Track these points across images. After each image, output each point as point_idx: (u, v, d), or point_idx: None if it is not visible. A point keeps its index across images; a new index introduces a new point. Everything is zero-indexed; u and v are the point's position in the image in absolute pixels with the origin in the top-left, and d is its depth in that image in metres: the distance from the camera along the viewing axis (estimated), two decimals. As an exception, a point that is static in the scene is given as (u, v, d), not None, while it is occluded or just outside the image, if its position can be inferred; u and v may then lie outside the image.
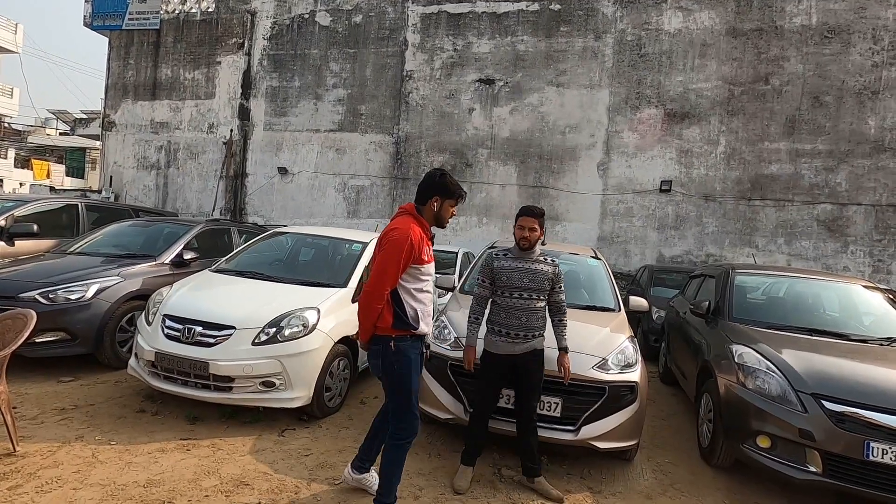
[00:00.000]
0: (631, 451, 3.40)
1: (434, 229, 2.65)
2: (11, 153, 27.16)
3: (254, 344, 3.48)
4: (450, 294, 4.48)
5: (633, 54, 11.37)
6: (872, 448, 2.73)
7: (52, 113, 28.33)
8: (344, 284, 4.30)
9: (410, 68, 12.64)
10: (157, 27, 14.66)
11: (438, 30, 12.52)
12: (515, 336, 2.91)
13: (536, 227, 3.01)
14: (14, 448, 2.86)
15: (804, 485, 2.91)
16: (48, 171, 28.53)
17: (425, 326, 2.48)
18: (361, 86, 13.06)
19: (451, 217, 2.60)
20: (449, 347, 3.43)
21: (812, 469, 2.88)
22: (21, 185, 22.83)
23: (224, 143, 13.96)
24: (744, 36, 10.83)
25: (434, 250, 8.44)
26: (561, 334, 3.05)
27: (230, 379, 3.41)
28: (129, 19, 14.90)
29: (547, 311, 3.04)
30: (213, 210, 13.83)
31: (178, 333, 3.52)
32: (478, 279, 3.14)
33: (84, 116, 22.56)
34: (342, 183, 13.14)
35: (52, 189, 17.74)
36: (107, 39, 15.20)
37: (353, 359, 4.25)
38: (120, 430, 3.27)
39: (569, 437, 3.10)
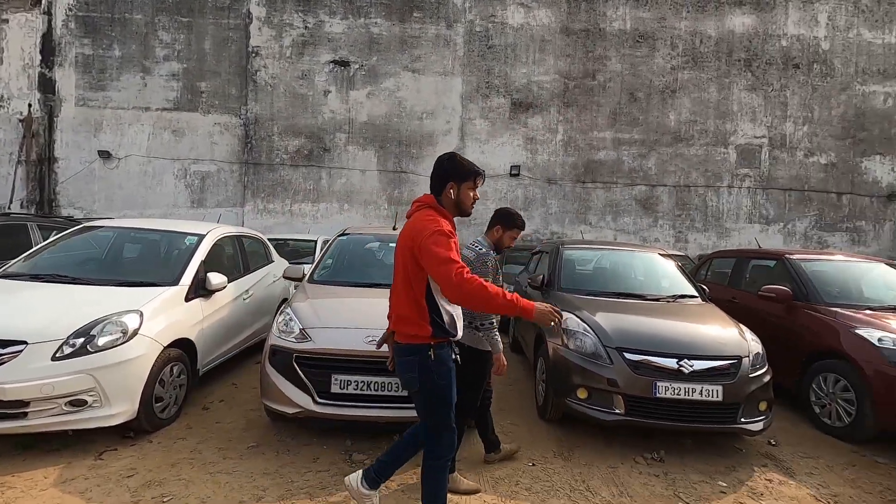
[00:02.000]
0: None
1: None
2: None
3: (55, 359, 2.97)
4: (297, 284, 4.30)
5: (482, 45, 11.95)
6: (659, 387, 3.32)
7: None
8: (175, 282, 3.88)
9: (257, 44, 11.70)
10: None
11: (287, 4, 11.76)
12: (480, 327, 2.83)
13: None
14: None
15: (612, 424, 3.43)
16: None
17: (459, 332, 2.27)
18: (200, 60, 11.75)
19: (475, 200, 2.30)
20: (294, 340, 3.32)
21: (618, 411, 3.40)
22: None
23: (21, 121, 11.53)
24: (575, 35, 12.05)
25: (290, 239, 7.94)
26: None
27: (23, 403, 2.87)
28: None
29: None
30: (11, 202, 11.41)
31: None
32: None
33: None
34: (183, 169, 11.78)
35: None
36: None
37: (192, 363, 3.88)
38: None
39: (410, 414, 3.22)
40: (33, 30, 11.56)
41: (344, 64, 11.79)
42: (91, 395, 3.05)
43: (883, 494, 3.11)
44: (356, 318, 3.47)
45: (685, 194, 12.29)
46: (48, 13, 11.60)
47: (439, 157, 2.33)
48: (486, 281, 2.08)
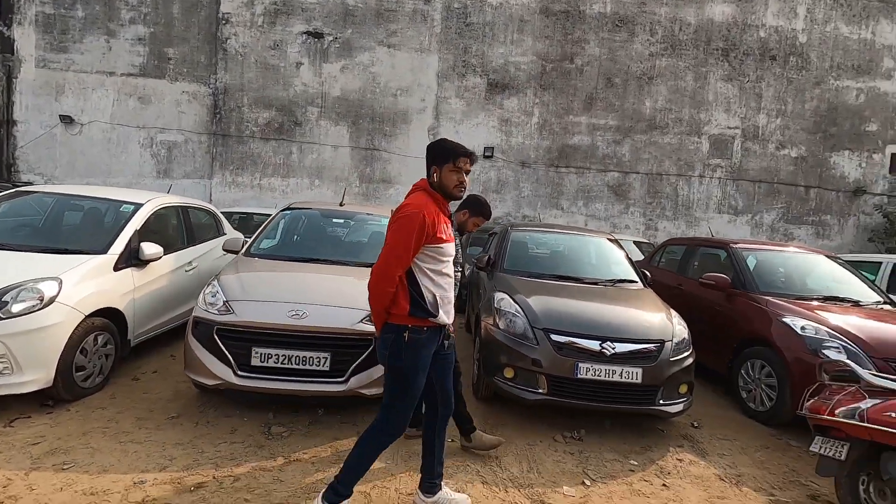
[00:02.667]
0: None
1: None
2: None
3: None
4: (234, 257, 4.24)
5: (459, 22, 11.74)
6: (580, 368, 3.37)
7: None
8: (104, 251, 3.79)
9: (227, 10, 11.34)
10: None
11: (259, -30, 11.37)
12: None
13: None
14: None
15: (535, 403, 3.49)
16: None
17: (446, 316, 2.23)
18: (168, 25, 11.37)
19: (460, 184, 2.26)
20: (217, 312, 3.28)
21: (540, 391, 3.45)
22: None
23: (-20, 82, 11.08)
24: (554, 16, 11.89)
25: (255, 213, 7.78)
26: None
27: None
28: None
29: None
30: (-32, 165, 11.04)
31: None
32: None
33: None
34: (149, 138, 11.49)
35: None
36: None
37: (122, 333, 3.83)
38: None
39: (339, 388, 3.23)
40: (-10, -16, 11.04)
41: (318, 35, 11.50)
42: (1, 362, 2.99)
43: (787, 475, 3.23)
44: (283, 293, 3.45)
45: (657, 182, 12.37)
46: (6, -33, 11.07)
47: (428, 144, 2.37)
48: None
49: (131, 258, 3.97)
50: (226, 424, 3.21)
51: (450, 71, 11.80)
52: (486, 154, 11.87)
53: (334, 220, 4.79)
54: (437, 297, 2.18)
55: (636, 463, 3.19)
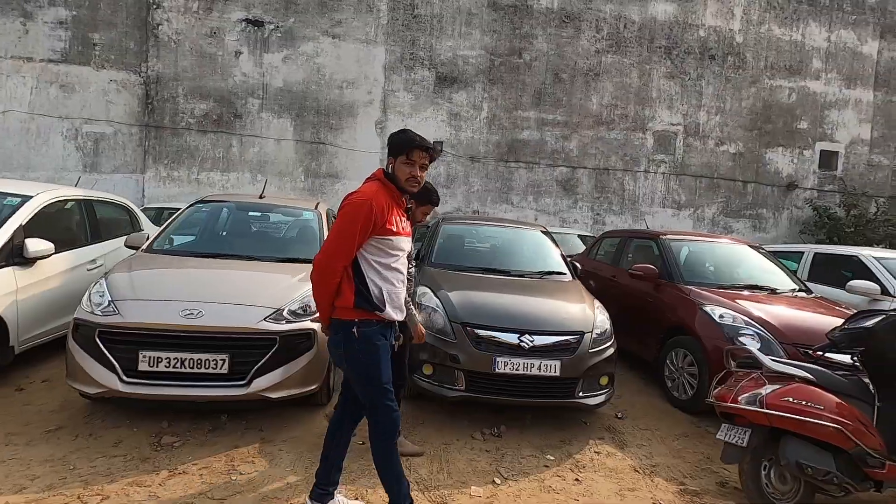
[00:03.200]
0: (319, 395, 3.49)
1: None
2: None
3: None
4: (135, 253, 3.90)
5: (406, 14, 11.52)
6: (498, 362, 3.27)
7: None
8: (-25, 247, 3.41)
9: (159, -5, 10.68)
10: None
11: (193, -47, 10.78)
12: None
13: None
14: None
15: (454, 400, 3.37)
16: None
17: (394, 311, 2.13)
18: (92, 8, 10.61)
19: (412, 178, 2.13)
20: (100, 313, 2.99)
21: (458, 387, 3.34)
22: None
23: None
24: (502, 10, 11.85)
25: (170, 207, 7.26)
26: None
27: None
28: None
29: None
30: None
31: None
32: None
33: None
34: (73, 129, 10.70)
35: None
36: None
37: (3, 339, 3.46)
38: None
39: (239, 392, 3.00)
40: None
41: (258, 24, 11.02)
42: None
43: (700, 463, 3.24)
44: (178, 291, 3.18)
45: (604, 177, 12.56)
46: None
47: None
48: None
49: (13, 256, 3.60)
50: (111, 436, 2.93)
51: (397, 63, 11.57)
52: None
53: (250, 214, 4.52)
54: (385, 292, 2.10)
55: (552, 458, 3.12)
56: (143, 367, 2.90)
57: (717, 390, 2.83)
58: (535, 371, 3.29)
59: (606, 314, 3.84)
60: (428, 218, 3.18)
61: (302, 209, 4.54)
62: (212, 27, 10.88)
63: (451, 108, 11.82)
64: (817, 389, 2.59)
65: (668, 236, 5.23)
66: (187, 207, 4.43)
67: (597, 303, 3.95)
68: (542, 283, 4.23)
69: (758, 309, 4.00)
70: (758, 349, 3.05)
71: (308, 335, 3.22)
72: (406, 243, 2.21)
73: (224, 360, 2.99)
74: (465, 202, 12.04)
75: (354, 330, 2.05)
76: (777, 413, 2.51)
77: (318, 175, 11.46)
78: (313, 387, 3.32)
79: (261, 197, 4.64)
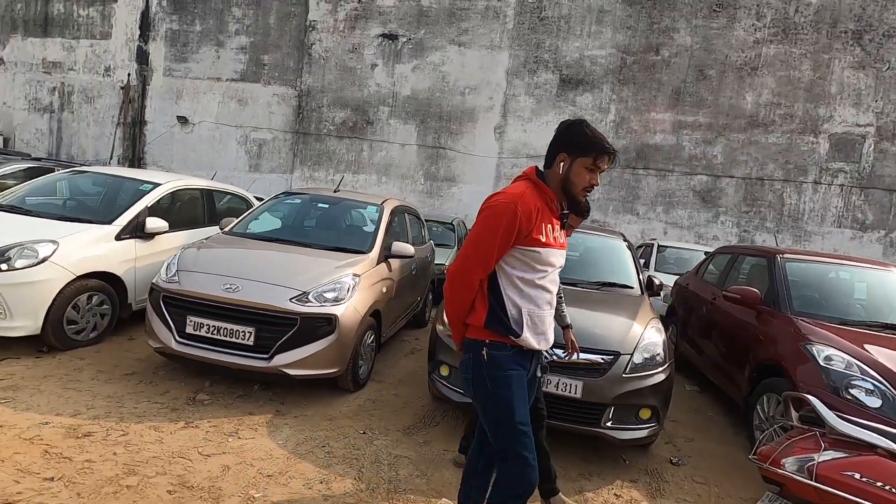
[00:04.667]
0: (344, 381, 3.60)
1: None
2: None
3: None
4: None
5: (533, 17, 11.33)
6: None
7: None
8: (109, 222, 4.27)
9: (314, 18, 12.23)
10: (48, -44, 13.58)
11: (345, -21, 12.10)
12: None
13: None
14: None
15: (462, 406, 3.18)
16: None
17: (534, 338, 1.76)
18: (265, 34, 12.59)
19: (589, 186, 1.78)
20: (166, 280, 3.51)
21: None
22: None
23: (122, 88, 13.28)
24: (638, 4, 10.93)
25: None
26: (563, 312, 2.69)
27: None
28: (17, -54, 13.71)
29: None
30: (111, 158, 13.28)
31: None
32: None
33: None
34: (244, 135, 12.81)
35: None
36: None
37: (122, 296, 4.28)
38: None
39: (262, 364, 3.26)
40: (135, 7, 13.17)
41: (392, 37, 11.89)
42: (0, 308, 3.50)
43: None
44: (226, 267, 3.57)
45: (756, 188, 10.72)
46: (147, -7, 13.13)
47: (561, 122, 1.85)
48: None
49: (136, 230, 4.42)
50: (162, 387, 3.40)
51: (520, 68, 11.43)
52: (553, 153, 11.27)
53: (319, 205, 4.87)
54: (525, 314, 1.74)
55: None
56: (189, 330, 3.33)
57: (764, 447, 2.19)
58: (551, 388, 2.93)
59: (663, 337, 3.26)
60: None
61: (367, 203, 4.75)
62: (353, 43, 12.06)
63: (574, 111, 11.26)
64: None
65: (789, 255, 4.23)
66: (272, 198, 4.97)
67: (655, 322, 3.37)
68: (597, 295, 3.77)
69: (887, 357, 3.00)
70: (877, 405, 2.25)
71: (329, 320, 3.35)
72: (559, 257, 1.81)
73: (251, 333, 3.27)
74: (583, 210, 11.32)
75: (484, 352, 1.74)
76: (832, 490, 1.84)
77: (437, 178, 11.88)
78: (333, 370, 3.43)
79: (335, 191, 4.99)
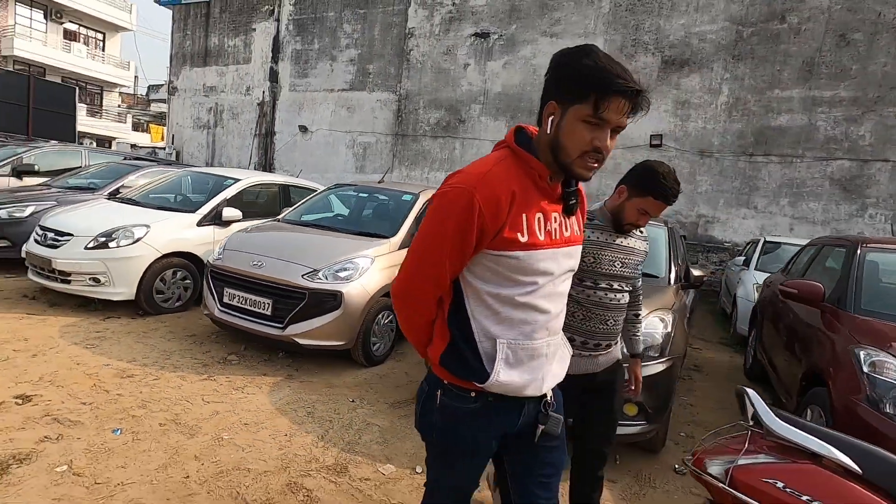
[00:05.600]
0: (355, 354, 3.86)
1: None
2: (129, 118, 31.94)
3: (86, 248, 4.45)
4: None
5: (631, -3, 10.56)
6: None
7: (152, 86, 32.48)
8: (193, 211, 5.12)
9: (412, 25, 12.89)
10: (208, -1, 16.35)
11: (441, -16, 12.56)
12: (596, 347, 1.91)
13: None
14: None
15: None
16: (163, 134, 33.18)
17: (520, 379, 1.21)
18: (370, 45, 13.61)
19: (594, 151, 1.14)
20: (216, 256, 4.12)
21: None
22: (133, 146, 26.92)
23: (258, 104, 15.43)
24: (759, -33, 9.54)
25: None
26: (637, 335, 2.18)
27: (67, 274, 4.43)
28: (187, -6, 16.75)
29: None
30: (249, 165, 15.50)
31: (39, 238, 4.61)
32: None
33: (161, 83, 25.80)
34: (352, 140, 13.99)
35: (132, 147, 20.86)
36: (170, 14, 17.28)
37: (202, 273, 5.09)
38: (2, 310, 4.44)
39: (277, 332, 3.66)
40: (268, 34, 15.21)
41: (484, 36, 12.01)
42: (103, 277, 4.45)
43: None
44: (259, 247, 4.06)
45: (921, 174, 8.65)
46: (277, 20, 15.08)
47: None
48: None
49: (215, 218, 5.22)
50: (208, 347, 4.00)
51: (617, 53, 10.71)
52: (652, 143, 10.39)
53: (360, 195, 5.20)
54: (502, 348, 1.20)
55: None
56: (226, 300, 3.88)
57: (700, 447, 1.90)
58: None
59: (665, 328, 2.92)
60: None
61: (404, 192, 4.97)
62: (448, 46, 12.45)
63: (677, 95, 10.24)
64: (844, 482, 1.48)
65: (876, 244, 3.45)
66: (324, 189, 5.46)
67: (662, 313, 3.03)
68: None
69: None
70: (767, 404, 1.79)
71: (334, 296, 3.64)
72: (557, 261, 1.23)
73: (269, 304, 3.70)
74: (688, 205, 10.25)
75: (438, 395, 1.26)
76: (744, 497, 1.55)
77: (526, 174, 11.70)
78: (340, 343, 3.72)
79: (379, 182, 5.30)
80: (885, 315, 2.91)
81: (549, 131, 1.19)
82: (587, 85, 1.10)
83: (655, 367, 2.77)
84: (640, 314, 2.22)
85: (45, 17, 26.16)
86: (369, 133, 13.71)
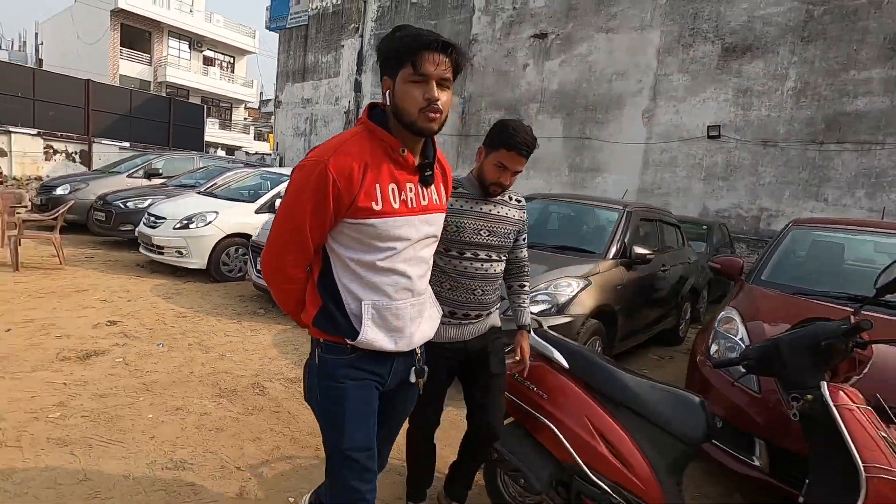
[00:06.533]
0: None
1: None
2: (252, 129, 36.71)
3: (174, 229, 5.93)
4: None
5: (690, -15, 10.29)
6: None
7: (264, 101, 36.79)
8: (253, 201, 6.45)
9: (476, 32, 13.66)
10: (306, 23, 18.60)
11: (503, -10, 13.16)
12: (465, 317, 1.91)
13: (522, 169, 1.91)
14: (61, 263, 5.92)
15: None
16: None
17: (386, 337, 1.34)
18: (439, 53, 14.62)
19: (428, 105, 1.25)
20: (257, 234, 5.29)
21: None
22: (246, 153, 31.08)
23: (344, 112, 17.27)
24: (833, -60, 8.84)
25: None
26: (522, 305, 2.09)
27: (160, 247, 5.95)
28: (290, 19, 19.20)
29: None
30: (336, 167, 17.38)
31: (146, 221, 6.21)
32: None
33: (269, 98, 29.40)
34: (422, 142, 15.12)
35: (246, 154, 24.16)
36: (277, 37, 19.91)
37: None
38: (120, 272, 6.11)
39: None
40: (354, 49, 16.96)
41: (542, 36, 12.39)
42: (185, 250, 5.89)
43: None
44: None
45: None
46: (361, 36, 16.76)
47: None
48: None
49: (271, 208, 6.50)
50: (247, 303, 5.19)
51: (673, 44, 10.50)
52: (710, 134, 10.02)
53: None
54: (367, 307, 1.32)
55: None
56: (258, 267, 5.03)
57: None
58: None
59: (569, 291, 3.42)
60: (514, 178, 1.92)
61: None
62: (508, 48, 13.02)
63: (738, 83, 9.78)
64: (557, 374, 2.03)
65: (806, 223, 3.56)
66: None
67: (571, 280, 3.52)
68: (544, 256, 3.97)
69: (784, 322, 2.57)
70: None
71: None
72: (413, 227, 1.34)
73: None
74: (748, 197, 9.76)
75: (317, 354, 1.38)
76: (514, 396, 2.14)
77: (581, 169, 11.88)
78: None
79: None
80: (784, 286, 3.11)
81: (389, 102, 1.29)
82: (402, 52, 1.23)
83: (554, 320, 3.29)
84: (525, 285, 2.11)
85: (190, 48, 31.14)
86: (437, 135, 14.71)
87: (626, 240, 4.14)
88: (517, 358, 2.03)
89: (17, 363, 3.22)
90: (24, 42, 31.80)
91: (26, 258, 6.04)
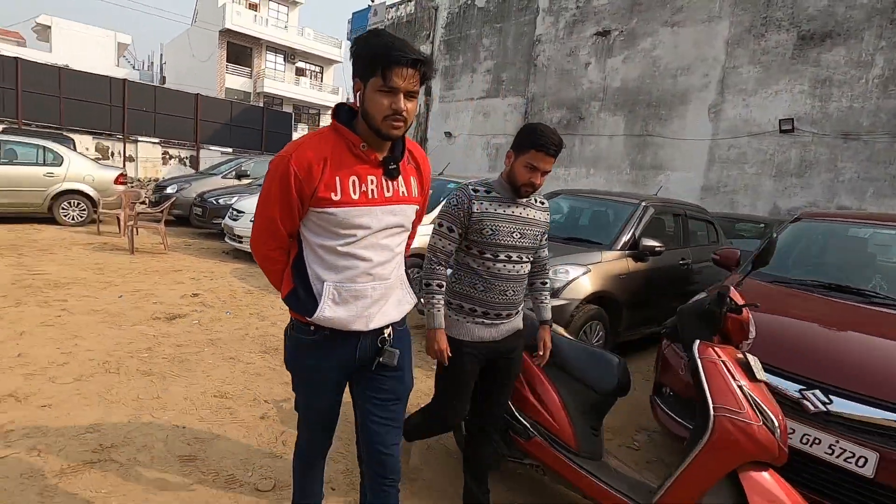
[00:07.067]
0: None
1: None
2: (337, 134, 39.44)
3: (250, 221, 6.94)
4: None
5: (763, -28, 9.77)
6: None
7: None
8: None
9: (540, 32, 13.84)
10: (383, 32, 19.78)
11: (567, -10, 13.23)
12: (497, 317, 2.00)
13: (551, 169, 1.95)
14: (166, 249, 7.18)
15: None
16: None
17: (346, 316, 1.46)
18: (504, 55, 15.01)
19: (393, 114, 1.36)
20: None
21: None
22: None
23: (416, 115, 18.17)
24: (930, -89, 8.02)
25: None
26: (544, 302, 2.20)
27: (238, 236, 7.00)
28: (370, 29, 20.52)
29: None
30: (407, 168, 18.35)
31: (230, 215, 7.32)
32: (440, 225, 1.99)
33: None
34: (486, 142, 15.59)
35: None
36: (357, 47, 21.34)
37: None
38: (209, 257, 7.26)
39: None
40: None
41: (605, 34, 12.31)
42: (240, 237, 6.89)
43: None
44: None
45: None
46: (432, 42, 17.55)
47: None
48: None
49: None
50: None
51: (744, 34, 10.01)
52: (783, 128, 9.45)
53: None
54: (328, 288, 1.44)
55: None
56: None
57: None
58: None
59: (566, 276, 3.74)
60: (543, 179, 1.97)
61: (450, 180, 6.28)
62: (570, 47, 13.07)
63: (816, 73, 9.15)
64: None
65: (810, 216, 3.56)
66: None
67: (571, 267, 3.83)
68: (553, 245, 4.28)
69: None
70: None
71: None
72: (373, 217, 1.44)
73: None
74: (825, 195, 9.09)
75: (290, 329, 1.57)
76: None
77: (643, 167, 11.67)
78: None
79: (439, 174, 6.70)
80: (773, 277, 3.22)
81: (359, 104, 1.41)
82: (374, 61, 1.32)
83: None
84: (546, 282, 2.22)
85: (285, 60, 34.09)
86: (501, 135, 15.10)
87: (636, 232, 4.33)
88: (540, 353, 2.15)
89: (124, 319, 4.20)
90: (153, 63, 36.76)
91: (140, 244, 7.39)
